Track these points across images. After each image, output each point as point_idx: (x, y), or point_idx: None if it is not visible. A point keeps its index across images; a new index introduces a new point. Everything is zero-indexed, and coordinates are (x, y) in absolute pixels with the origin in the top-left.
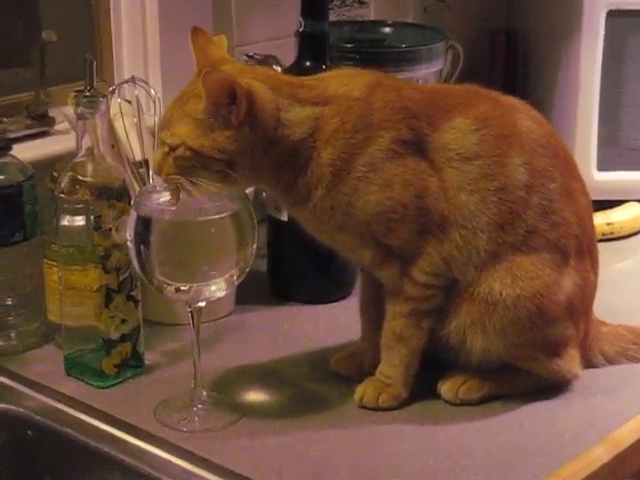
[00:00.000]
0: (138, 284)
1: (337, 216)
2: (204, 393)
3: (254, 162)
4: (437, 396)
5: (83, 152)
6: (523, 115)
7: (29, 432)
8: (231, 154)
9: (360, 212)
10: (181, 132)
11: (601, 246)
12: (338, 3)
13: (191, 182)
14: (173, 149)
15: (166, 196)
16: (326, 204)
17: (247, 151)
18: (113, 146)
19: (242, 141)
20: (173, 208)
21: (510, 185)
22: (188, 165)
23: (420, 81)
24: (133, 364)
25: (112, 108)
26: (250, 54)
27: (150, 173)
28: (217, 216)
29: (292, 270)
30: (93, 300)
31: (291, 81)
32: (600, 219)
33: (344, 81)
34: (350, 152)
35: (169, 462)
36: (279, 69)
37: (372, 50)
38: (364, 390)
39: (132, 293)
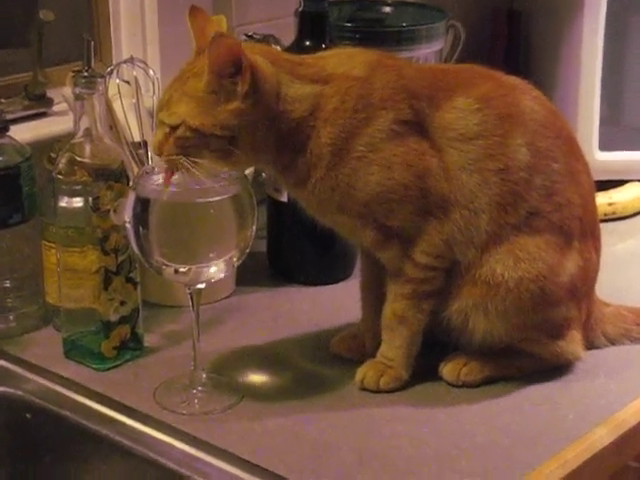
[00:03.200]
0: (137, 266)
1: (337, 197)
2: (204, 375)
3: (255, 139)
4: (438, 378)
5: (81, 133)
6: (526, 95)
7: (28, 415)
8: (233, 130)
9: (360, 193)
10: (181, 111)
11: (603, 226)
12: None
13: (192, 162)
14: (173, 129)
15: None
16: (326, 184)
17: (249, 127)
18: (111, 127)
19: (245, 116)
20: (171, 189)
21: (512, 166)
22: (189, 144)
23: (420, 61)
24: (132, 346)
25: (110, 89)
26: (249, 34)
27: (149, 154)
28: (217, 197)
29: (292, 251)
30: (92, 282)
31: (290, 58)
32: (602, 199)
33: (344, 60)
34: (350, 132)
35: (169, 444)
36: (279, 49)
37: (372, 29)
38: (365, 372)
39: (131, 275)
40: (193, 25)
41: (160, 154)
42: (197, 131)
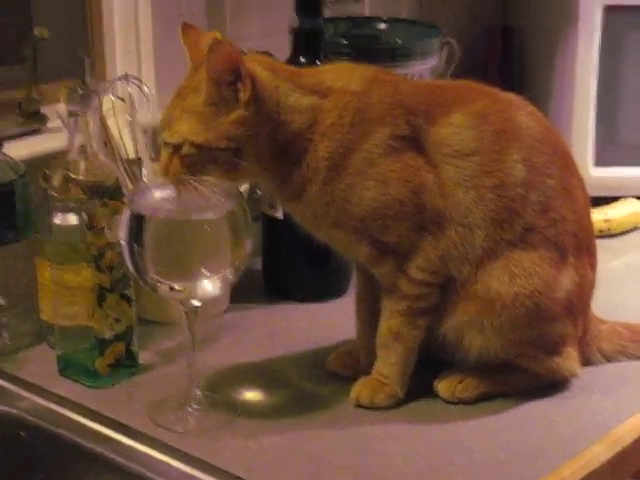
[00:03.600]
0: (132, 283)
1: (332, 211)
2: (199, 393)
3: (259, 150)
4: (434, 395)
5: (75, 150)
6: (521, 111)
7: (22, 433)
8: (237, 141)
9: (356, 208)
10: (183, 129)
11: (599, 243)
12: (332, 0)
13: (199, 179)
14: (177, 148)
15: (160, 194)
16: (321, 199)
17: (252, 137)
18: (106, 144)
19: (247, 125)
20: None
21: (508, 182)
22: (195, 161)
23: (415, 77)
24: (127, 364)
25: (105, 105)
26: (244, 50)
27: (143, 171)
28: (212, 215)
29: (287, 268)
30: (86, 299)
31: (288, 68)
32: (597, 216)
33: (342, 74)
34: (347, 147)
35: (163, 462)
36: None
37: (367, 46)
38: (360, 389)
39: (126, 292)
40: (186, 41)
41: (167, 175)
42: (201, 147)
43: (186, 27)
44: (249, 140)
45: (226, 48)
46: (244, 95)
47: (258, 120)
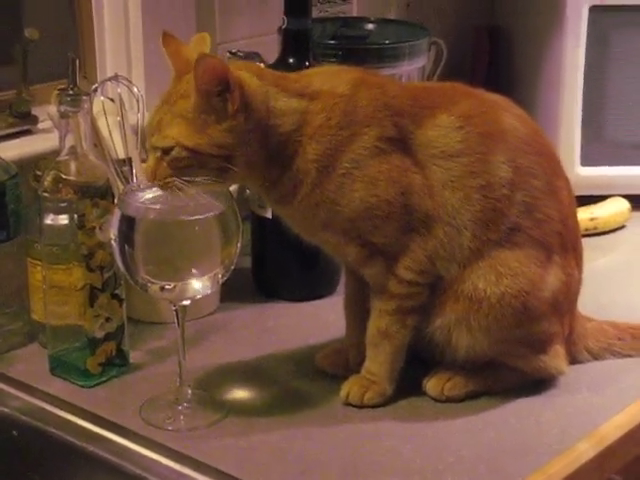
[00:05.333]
0: (122, 282)
1: (321, 213)
2: (189, 391)
3: (250, 155)
4: (422, 393)
5: (66, 151)
6: (507, 113)
7: (14, 432)
8: (229, 148)
9: (344, 209)
10: (174, 133)
11: (585, 241)
12: (321, 0)
13: (185, 182)
14: (166, 152)
15: (150, 194)
16: (311, 201)
17: (243, 143)
18: (96, 144)
19: (238, 133)
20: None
21: (494, 182)
22: (184, 165)
23: (403, 77)
24: (118, 363)
25: (95, 106)
26: (233, 51)
27: (133, 171)
28: (202, 215)
29: (276, 268)
30: (77, 299)
31: (274, 72)
32: (583, 214)
33: (329, 77)
34: (335, 149)
35: (154, 461)
36: (262, 66)
37: (355, 46)
38: (349, 387)
39: (116, 292)
40: (168, 51)
41: (154, 179)
42: (193, 151)
43: (166, 37)
44: (240, 146)
45: (212, 62)
46: (232, 107)
47: (248, 127)
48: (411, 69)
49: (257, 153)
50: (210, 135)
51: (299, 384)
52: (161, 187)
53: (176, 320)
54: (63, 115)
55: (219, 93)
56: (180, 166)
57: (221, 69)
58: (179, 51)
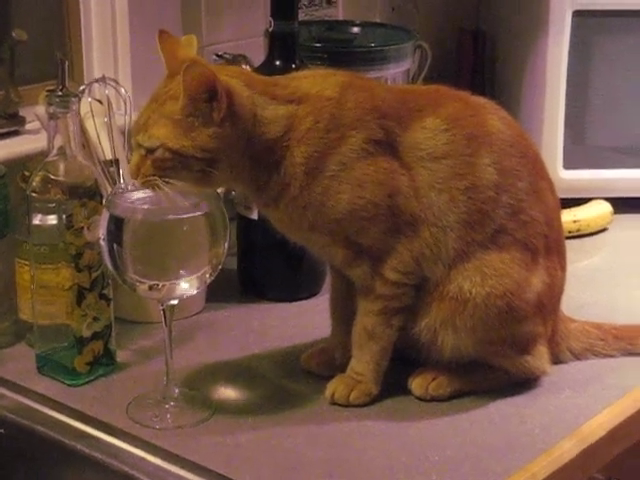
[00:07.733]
0: (110, 282)
1: (309, 215)
2: (176, 390)
3: (234, 161)
4: (408, 392)
5: (55, 151)
6: (493, 115)
7: (2, 430)
8: (213, 152)
9: (332, 211)
10: (159, 134)
11: (568, 244)
12: (306, 3)
13: (168, 182)
14: (151, 151)
15: (138, 195)
16: (298, 203)
17: (228, 149)
18: (84, 145)
19: (223, 139)
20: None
21: (479, 184)
22: (167, 166)
23: (388, 80)
24: (105, 362)
25: (82, 107)
26: (220, 54)
27: (121, 172)
28: (189, 215)
29: (262, 268)
30: (65, 298)
31: (264, 79)
32: (566, 217)
33: (317, 81)
34: (322, 151)
35: (142, 459)
36: (249, 68)
37: (341, 50)
38: (335, 387)
39: (104, 291)
40: (163, 49)
41: (136, 177)
42: (177, 153)
43: (163, 35)
44: (225, 151)
45: (201, 70)
46: (217, 115)
47: (234, 134)
48: (396, 72)
49: (243, 158)
50: (195, 139)
51: (285, 383)
52: (143, 184)
53: (163, 320)
54: (52, 116)
55: (207, 99)
56: (163, 166)
57: (210, 77)
58: (174, 50)
